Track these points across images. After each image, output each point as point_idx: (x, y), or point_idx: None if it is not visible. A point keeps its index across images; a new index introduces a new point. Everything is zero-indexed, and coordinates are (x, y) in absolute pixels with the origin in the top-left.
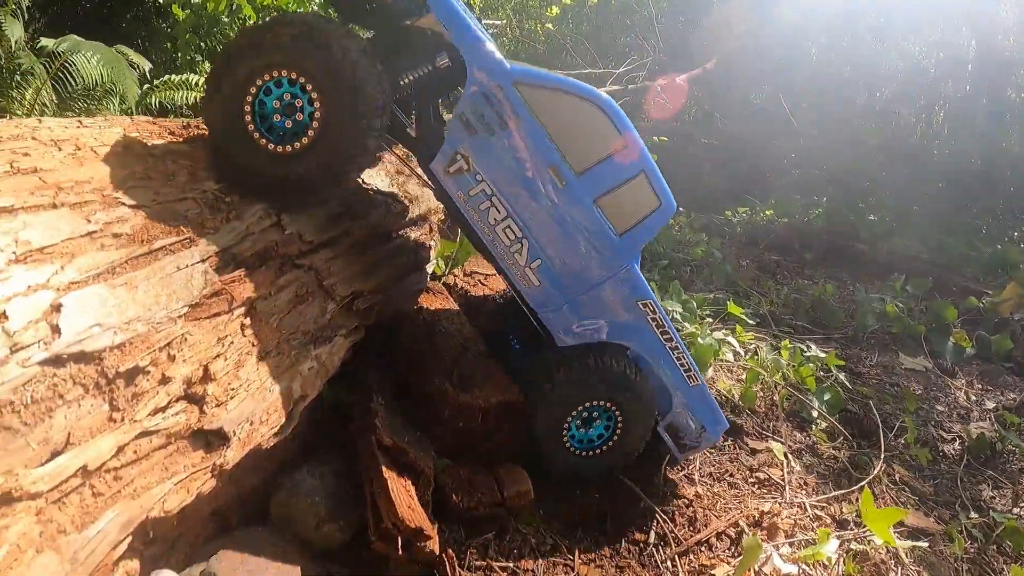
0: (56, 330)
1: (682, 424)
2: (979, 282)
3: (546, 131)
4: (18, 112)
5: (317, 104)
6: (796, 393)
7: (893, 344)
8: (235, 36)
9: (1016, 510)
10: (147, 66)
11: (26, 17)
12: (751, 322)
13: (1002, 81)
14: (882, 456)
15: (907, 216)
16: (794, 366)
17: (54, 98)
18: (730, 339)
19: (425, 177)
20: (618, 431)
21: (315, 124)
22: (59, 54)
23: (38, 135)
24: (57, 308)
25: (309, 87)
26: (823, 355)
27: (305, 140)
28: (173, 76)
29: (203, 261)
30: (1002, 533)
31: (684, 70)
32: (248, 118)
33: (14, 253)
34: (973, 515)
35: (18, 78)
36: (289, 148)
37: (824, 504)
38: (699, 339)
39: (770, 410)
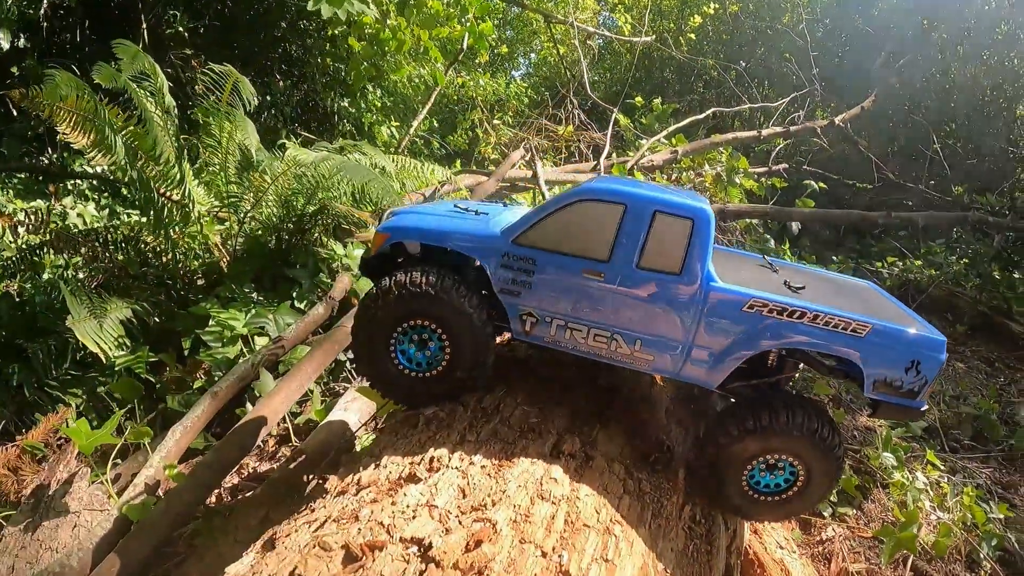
0: None
1: (890, 376)
2: None
3: (558, 251)
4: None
5: (447, 344)
6: (971, 540)
7: None
8: (368, 299)
9: None
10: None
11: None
12: (920, 432)
13: None
14: None
15: None
16: (972, 508)
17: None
18: (919, 476)
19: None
20: (799, 483)
21: (447, 356)
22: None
23: None
24: None
25: (442, 333)
26: (994, 508)
27: (440, 367)
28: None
29: None
30: None
31: (839, 110)
32: (393, 357)
33: None
34: None
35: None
36: (432, 373)
37: None
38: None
39: (951, 554)
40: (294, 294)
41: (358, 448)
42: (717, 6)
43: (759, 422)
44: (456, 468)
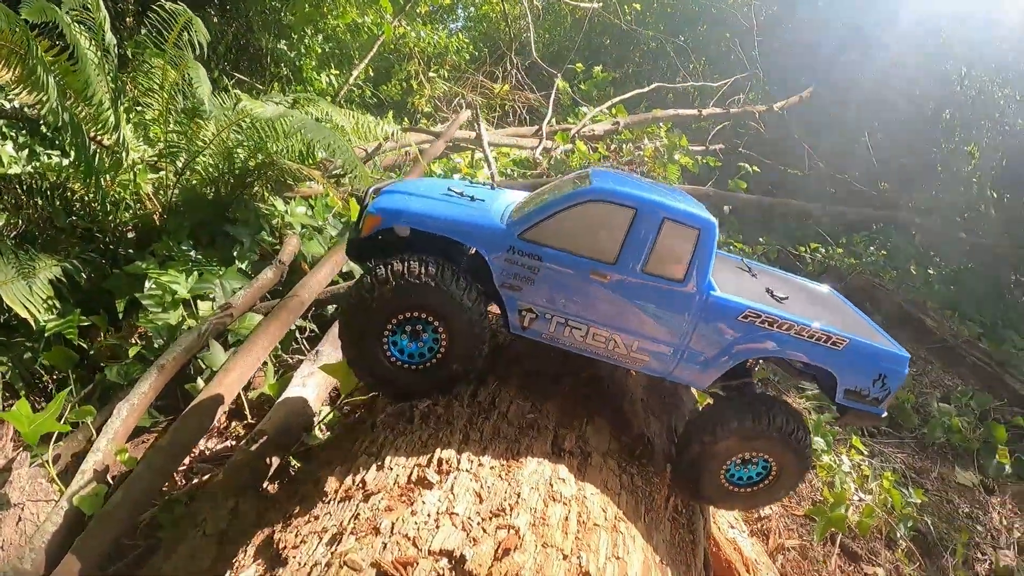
0: None
1: (861, 384)
2: None
3: (567, 250)
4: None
5: (444, 336)
6: (891, 521)
7: (951, 452)
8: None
9: None
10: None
11: None
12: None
13: None
14: None
15: (969, 283)
16: (890, 491)
17: None
18: (844, 459)
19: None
20: (771, 477)
21: (442, 349)
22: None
23: None
24: None
25: (439, 326)
26: (911, 493)
27: (435, 359)
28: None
29: None
30: None
31: (782, 96)
32: (386, 349)
33: None
34: None
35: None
36: (425, 365)
37: None
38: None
39: (872, 533)
40: (235, 253)
41: (317, 425)
42: None
43: (743, 424)
44: (467, 471)
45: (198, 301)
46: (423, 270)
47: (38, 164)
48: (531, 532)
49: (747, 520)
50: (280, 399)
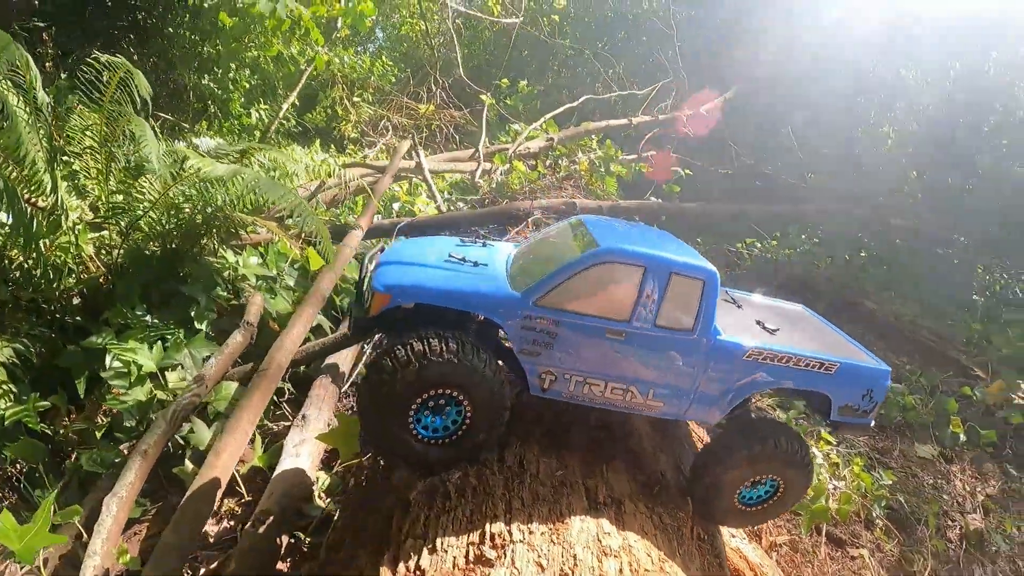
0: None
1: (853, 401)
2: (969, 355)
3: (582, 313)
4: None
5: (468, 409)
6: (865, 504)
7: (908, 429)
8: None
9: None
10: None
11: None
12: (803, 409)
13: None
14: (927, 554)
15: (903, 263)
16: (861, 476)
17: None
18: (816, 452)
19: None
20: (779, 493)
21: (467, 420)
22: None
23: None
24: None
25: (463, 399)
26: (881, 474)
27: (460, 431)
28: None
29: None
30: None
31: (707, 99)
32: (412, 428)
33: None
34: None
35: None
36: (451, 439)
37: None
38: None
39: (851, 517)
40: (192, 313)
41: (316, 494)
42: None
43: (751, 451)
44: (520, 541)
45: (166, 372)
46: (444, 347)
47: None
48: None
49: None
50: (277, 472)
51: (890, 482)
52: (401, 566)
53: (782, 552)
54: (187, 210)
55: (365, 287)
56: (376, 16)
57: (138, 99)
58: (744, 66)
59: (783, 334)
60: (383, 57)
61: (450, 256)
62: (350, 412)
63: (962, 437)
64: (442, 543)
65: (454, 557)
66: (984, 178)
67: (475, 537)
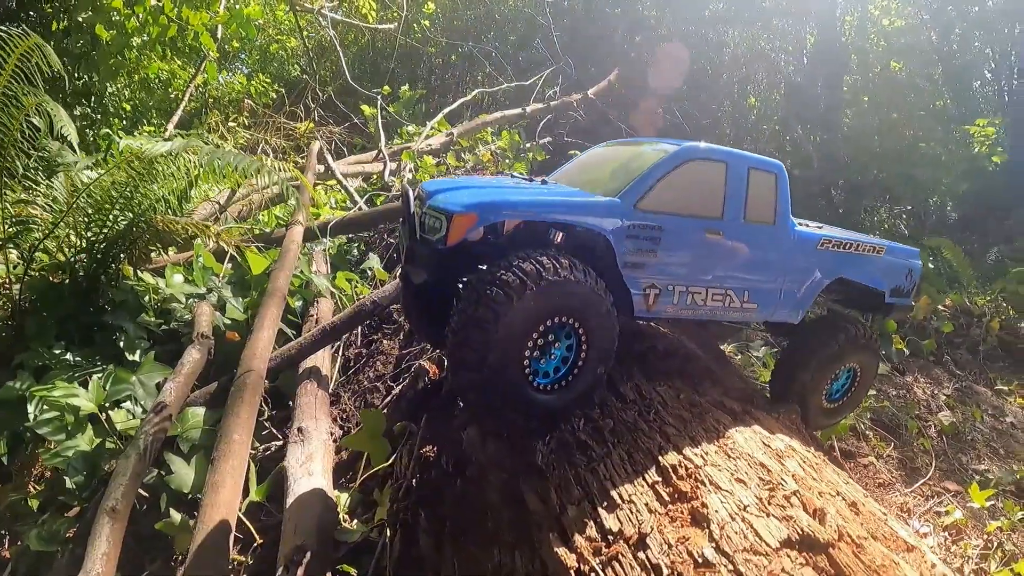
0: None
1: (899, 282)
2: None
3: (681, 214)
4: None
5: (584, 338)
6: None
7: None
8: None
9: (983, 466)
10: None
11: None
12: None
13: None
14: (932, 452)
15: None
16: None
17: None
18: None
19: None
20: (857, 380)
21: (583, 352)
22: None
23: None
24: None
25: (578, 327)
26: None
27: (577, 369)
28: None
29: None
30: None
31: (594, 82)
32: (528, 375)
33: None
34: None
35: None
36: (565, 382)
37: (919, 490)
38: None
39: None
40: (121, 344)
41: (341, 512)
42: None
43: (832, 347)
44: (707, 465)
45: (109, 412)
46: (557, 265)
47: None
48: (803, 488)
49: None
50: (292, 499)
51: (872, 393)
52: (579, 539)
53: None
54: (100, 223)
55: (424, 221)
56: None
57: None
58: (621, 49)
59: (828, 229)
60: (259, 75)
61: (515, 176)
62: (371, 407)
63: (906, 351)
64: (619, 495)
65: (645, 503)
66: (850, 132)
67: (654, 475)
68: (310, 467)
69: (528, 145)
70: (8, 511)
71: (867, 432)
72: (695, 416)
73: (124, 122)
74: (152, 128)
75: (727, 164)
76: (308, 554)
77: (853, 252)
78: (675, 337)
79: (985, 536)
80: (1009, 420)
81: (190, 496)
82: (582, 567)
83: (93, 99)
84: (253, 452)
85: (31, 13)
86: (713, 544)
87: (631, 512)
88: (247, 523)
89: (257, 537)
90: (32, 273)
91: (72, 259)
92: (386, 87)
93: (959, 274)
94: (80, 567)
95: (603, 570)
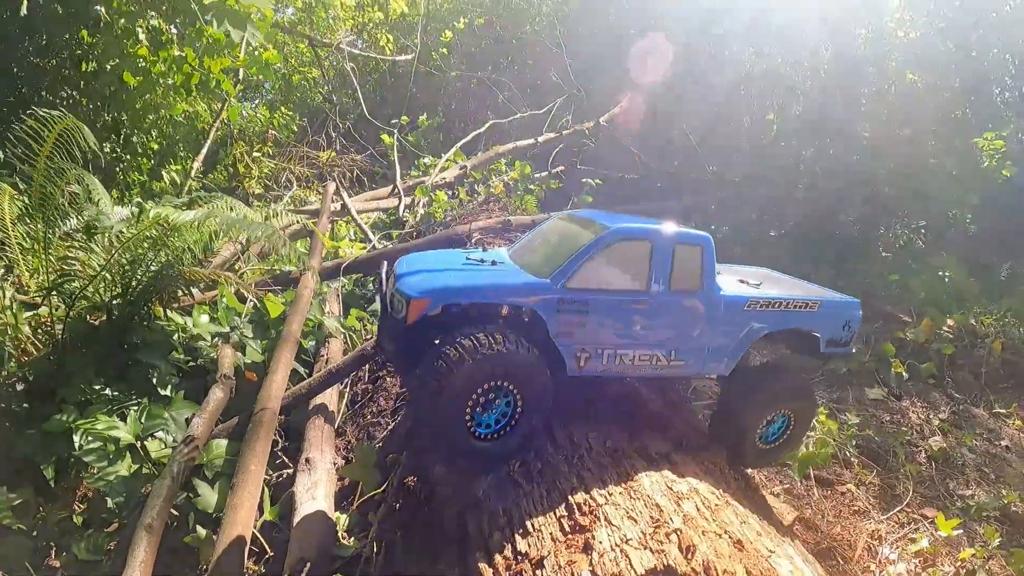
0: None
1: (836, 334)
2: (893, 304)
3: (608, 289)
4: None
5: (518, 397)
6: (837, 445)
7: (853, 378)
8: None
9: (969, 491)
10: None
11: None
12: None
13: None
14: (909, 477)
15: (810, 234)
16: (828, 423)
17: None
18: None
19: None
20: (791, 426)
21: (518, 410)
22: None
23: None
24: None
25: (513, 389)
26: (848, 418)
27: (513, 422)
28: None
29: None
30: (975, 510)
31: (604, 110)
32: (470, 427)
33: None
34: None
35: None
36: (504, 432)
37: (895, 517)
38: None
39: (831, 460)
40: (154, 379)
41: (339, 532)
42: (466, 19)
43: (765, 392)
44: (606, 503)
45: (145, 443)
46: (492, 340)
47: None
48: (688, 527)
49: None
50: (298, 520)
51: (856, 421)
52: (498, 557)
53: (781, 499)
54: (134, 272)
55: (392, 300)
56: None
57: (87, 152)
58: (631, 75)
59: (766, 287)
60: (282, 108)
61: (467, 259)
62: (371, 440)
63: (904, 375)
64: (532, 524)
65: (550, 533)
66: (869, 145)
67: (562, 511)
68: (314, 492)
69: (540, 175)
70: (56, 527)
71: (852, 459)
72: (613, 461)
73: (151, 161)
74: (178, 167)
75: (652, 243)
76: (308, 565)
77: (781, 310)
78: (629, 384)
79: (958, 563)
80: (1004, 443)
81: (214, 516)
82: (505, 570)
83: (122, 137)
84: (267, 478)
85: (64, 54)
86: (590, 568)
87: (538, 539)
88: (260, 538)
89: (268, 550)
90: (73, 315)
91: (109, 302)
92: (404, 117)
93: (964, 293)
94: (120, 574)
95: None
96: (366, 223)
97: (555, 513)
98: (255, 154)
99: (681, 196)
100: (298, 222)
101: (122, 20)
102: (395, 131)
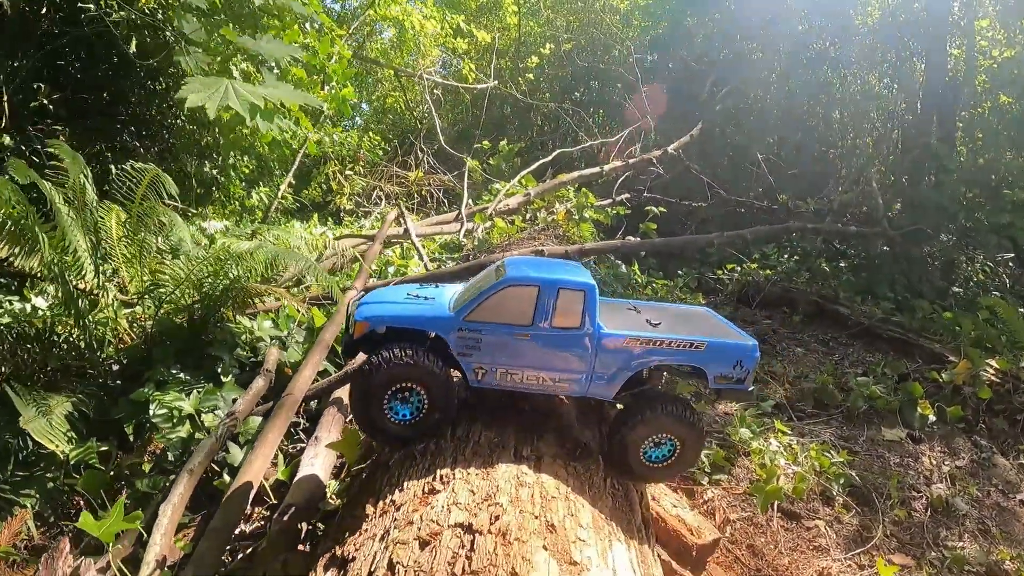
0: None
1: (726, 371)
2: (943, 344)
3: (497, 322)
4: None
5: (425, 397)
6: (823, 481)
7: (876, 417)
8: (364, 375)
9: (961, 543)
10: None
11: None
12: (770, 409)
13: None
14: (882, 520)
15: (882, 267)
16: (819, 459)
17: None
18: (772, 442)
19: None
20: (678, 452)
21: (425, 406)
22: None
23: None
24: None
25: (420, 390)
26: (836, 455)
27: (422, 414)
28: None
29: None
30: (952, 561)
31: (674, 138)
32: (387, 414)
33: None
34: (934, 552)
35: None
36: (416, 420)
37: (856, 557)
38: (766, 454)
39: (809, 494)
40: (219, 370)
41: (329, 496)
42: (552, 46)
43: (644, 415)
44: (460, 479)
45: (201, 415)
46: (404, 354)
47: (16, 311)
48: (511, 505)
49: (693, 505)
50: (296, 479)
51: (843, 460)
52: (381, 502)
53: (736, 526)
54: (209, 284)
55: (348, 321)
56: (361, 90)
57: (165, 194)
58: (708, 101)
59: (663, 326)
60: (369, 132)
61: (408, 294)
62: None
63: (932, 417)
64: (407, 485)
65: (414, 492)
66: (961, 173)
67: (430, 479)
68: (315, 462)
69: (605, 203)
70: (127, 470)
71: (836, 496)
72: (488, 453)
73: (243, 183)
74: (268, 189)
75: (539, 287)
76: (293, 508)
77: (664, 347)
78: (556, 402)
79: None
80: (1020, 498)
81: (238, 468)
82: (376, 513)
83: (220, 158)
84: (285, 448)
85: (155, 86)
86: (425, 514)
87: (406, 494)
88: (267, 489)
89: (273, 499)
90: (160, 315)
91: (190, 306)
92: (486, 142)
93: (1016, 335)
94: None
95: (378, 517)
96: (430, 246)
97: (425, 479)
98: (347, 173)
99: (747, 226)
100: (349, 250)
101: (219, 59)
102: (467, 161)
